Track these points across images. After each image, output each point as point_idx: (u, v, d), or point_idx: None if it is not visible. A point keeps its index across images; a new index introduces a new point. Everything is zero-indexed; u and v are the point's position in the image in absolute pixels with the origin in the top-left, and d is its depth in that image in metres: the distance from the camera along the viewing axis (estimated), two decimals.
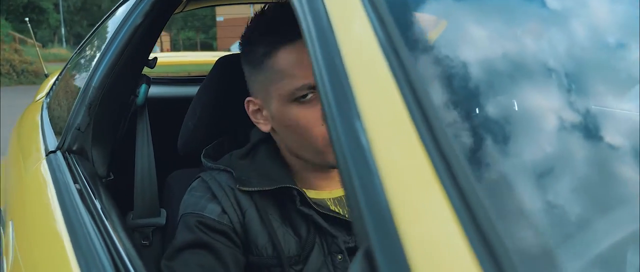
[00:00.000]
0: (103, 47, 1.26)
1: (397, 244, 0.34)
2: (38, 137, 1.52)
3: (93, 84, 1.24)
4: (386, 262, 0.34)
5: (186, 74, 3.70)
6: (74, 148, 1.23)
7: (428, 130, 0.39)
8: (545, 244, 0.37)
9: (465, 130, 0.42)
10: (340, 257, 1.04)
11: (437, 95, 0.43)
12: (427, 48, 0.50)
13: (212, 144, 1.18)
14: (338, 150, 0.42)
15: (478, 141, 0.42)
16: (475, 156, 0.41)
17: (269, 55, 1.01)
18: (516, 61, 0.54)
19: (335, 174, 1.11)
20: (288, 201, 1.04)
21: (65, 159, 1.21)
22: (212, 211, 1.04)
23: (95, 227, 0.88)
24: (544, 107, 0.49)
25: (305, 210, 1.03)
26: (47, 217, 1.00)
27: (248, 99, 1.09)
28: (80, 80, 1.30)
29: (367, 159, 0.39)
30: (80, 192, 1.01)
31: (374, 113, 0.41)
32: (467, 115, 0.44)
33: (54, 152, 1.29)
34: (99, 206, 0.97)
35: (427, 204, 0.36)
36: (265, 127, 1.07)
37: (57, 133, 1.43)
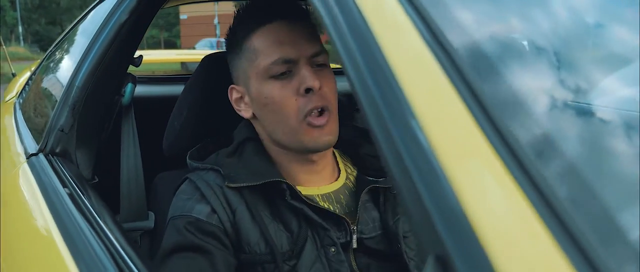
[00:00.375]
0: (86, 45, 1.21)
1: (476, 247, 0.33)
2: (14, 139, 1.46)
3: (76, 84, 1.19)
4: (466, 267, 0.32)
5: (150, 73, 3.64)
6: (57, 150, 1.19)
7: (490, 124, 0.37)
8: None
9: (529, 121, 0.41)
10: (333, 250, 1.03)
11: (490, 85, 0.42)
12: (469, 34, 0.48)
13: (196, 147, 1.17)
14: (392, 152, 0.40)
15: (544, 132, 0.41)
16: (544, 148, 0.39)
17: (246, 39, 1.05)
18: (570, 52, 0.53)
19: (322, 169, 1.11)
20: (277, 196, 1.03)
21: (49, 161, 1.16)
22: (200, 211, 1.02)
23: (92, 231, 0.85)
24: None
25: (296, 204, 1.02)
26: (36, 222, 0.95)
27: (231, 86, 1.11)
28: (60, 80, 1.25)
29: (430, 160, 0.37)
30: (71, 195, 0.97)
31: (429, 110, 0.40)
32: (528, 106, 0.43)
33: (35, 154, 1.24)
34: (92, 209, 0.93)
35: (503, 202, 0.35)
36: (246, 114, 1.09)
37: (36, 135, 1.37)
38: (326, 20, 0.52)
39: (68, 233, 0.86)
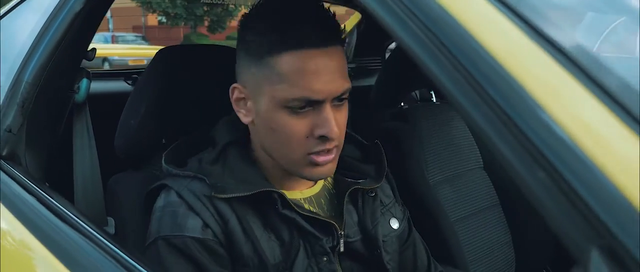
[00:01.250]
0: (35, 36, 1.09)
1: None
2: None
3: (25, 79, 1.07)
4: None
5: None
6: (4, 153, 1.06)
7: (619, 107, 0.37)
8: None
9: None
10: (325, 258, 1.01)
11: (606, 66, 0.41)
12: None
13: (171, 149, 1.09)
14: (526, 152, 0.39)
15: None
16: None
17: (273, 54, 0.92)
18: None
19: None
20: (267, 205, 0.99)
21: None
22: (193, 228, 0.95)
23: (79, 234, 0.77)
24: None
25: (288, 213, 0.98)
26: (8, 238, 0.85)
27: (235, 85, 1.01)
28: (3, 75, 1.12)
29: (575, 151, 0.36)
30: (41, 200, 0.87)
31: (554, 100, 0.39)
32: None
33: None
34: (70, 212, 0.84)
35: None
36: (246, 119, 1.01)
37: None
38: (401, 26, 0.50)
39: (51, 240, 0.77)
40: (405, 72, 1.80)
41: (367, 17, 2.28)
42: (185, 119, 1.24)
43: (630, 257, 0.33)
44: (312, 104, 0.92)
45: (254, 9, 0.97)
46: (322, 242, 1.00)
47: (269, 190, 0.97)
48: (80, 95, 1.14)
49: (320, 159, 0.95)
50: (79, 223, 0.82)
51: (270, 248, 0.98)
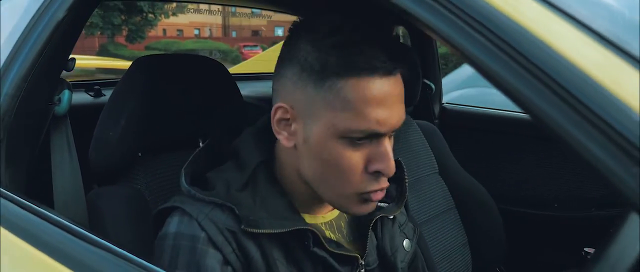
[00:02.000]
0: (13, 44, 1.03)
1: None
2: None
3: (5, 92, 1.01)
4: None
5: None
6: None
7: None
8: None
9: None
10: None
11: None
12: None
13: (189, 163, 0.96)
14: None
15: None
16: None
17: (337, 77, 0.83)
18: None
19: None
20: (295, 241, 0.91)
21: None
22: (212, 267, 0.86)
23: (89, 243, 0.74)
24: None
25: (318, 251, 0.91)
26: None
27: (280, 104, 0.89)
28: None
29: None
30: (38, 213, 0.83)
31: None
32: None
33: None
34: (67, 222, 0.81)
35: None
36: (287, 142, 0.90)
37: None
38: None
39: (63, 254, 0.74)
40: None
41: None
42: (167, 131, 1.21)
43: None
44: (371, 137, 0.85)
45: (318, 21, 0.87)
46: None
47: (303, 229, 0.90)
48: (62, 107, 1.09)
49: (375, 196, 0.89)
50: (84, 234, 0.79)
51: None
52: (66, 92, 1.09)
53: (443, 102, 2.35)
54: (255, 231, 0.87)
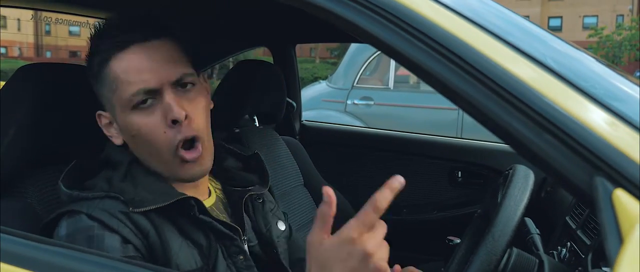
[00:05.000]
0: None
1: None
2: None
3: None
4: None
5: None
6: None
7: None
8: None
9: None
10: (241, 257, 1.07)
11: None
12: None
13: (66, 173, 1.04)
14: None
15: None
16: None
17: (104, 65, 1.00)
18: None
19: (201, 184, 1.12)
20: (181, 214, 1.02)
21: None
22: (112, 247, 0.93)
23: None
24: None
25: (205, 218, 1.03)
26: None
27: (98, 112, 1.06)
28: None
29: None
30: None
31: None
32: None
33: None
34: None
35: None
36: (117, 140, 1.05)
37: None
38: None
39: None
40: (238, 97, 1.91)
41: None
42: (57, 141, 1.17)
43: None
44: (153, 94, 0.98)
45: (89, 39, 1.04)
46: (237, 241, 1.06)
47: (187, 197, 1.00)
48: None
49: (188, 155, 1.00)
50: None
51: (190, 254, 1.00)
52: None
53: (302, 119, 2.50)
54: (142, 209, 0.96)
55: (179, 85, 1.00)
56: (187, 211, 1.01)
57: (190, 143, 1.00)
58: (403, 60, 0.67)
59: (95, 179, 1.04)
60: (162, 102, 0.98)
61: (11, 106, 1.11)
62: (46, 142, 1.15)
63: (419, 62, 0.65)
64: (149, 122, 0.98)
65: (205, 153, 1.03)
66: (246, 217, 1.16)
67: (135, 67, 0.97)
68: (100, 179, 1.03)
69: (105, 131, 1.06)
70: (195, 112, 1.01)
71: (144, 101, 0.97)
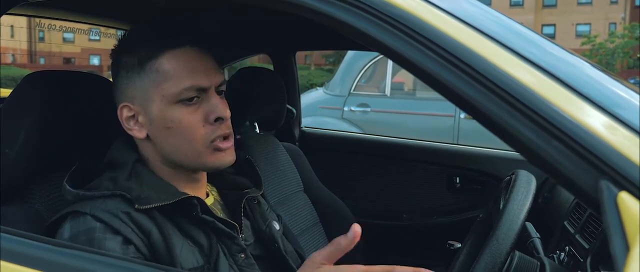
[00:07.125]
0: None
1: None
2: None
3: None
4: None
5: None
6: None
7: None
8: None
9: None
10: (242, 256, 1.10)
11: None
12: None
13: (71, 174, 1.06)
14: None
15: None
16: None
17: (152, 58, 1.04)
18: None
19: (202, 185, 1.16)
20: (183, 213, 1.05)
21: None
22: (113, 250, 0.95)
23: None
24: None
25: (207, 217, 1.06)
26: None
27: (123, 104, 1.08)
28: None
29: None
30: None
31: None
32: None
33: None
34: None
35: None
36: (139, 134, 1.08)
37: None
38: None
39: None
40: (239, 104, 1.93)
41: None
42: (64, 148, 1.18)
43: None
44: (200, 93, 1.04)
45: (121, 40, 1.10)
46: (237, 240, 1.09)
47: (191, 196, 1.04)
48: None
49: (223, 145, 1.06)
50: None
51: (191, 253, 1.03)
52: None
53: (302, 126, 2.52)
54: (147, 206, 0.99)
55: (220, 91, 1.09)
56: (189, 211, 1.04)
57: (225, 138, 1.07)
58: (412, 68, 0.70)
59: (99, 179, 1.06)
60: (206, 101, 1.05)
61: (20, 113, 1.12)
62: (54, 149, 1.16)
63: (430, 70, 0.68)
64: (191, 118, 1.04)
65: (233, 147, 1.10)
66: (244, 218, 1.19)
67: (190, 65, 1.04)
68: (105, 179, 1.05)
69: (124, 125, 1.09)
70: (228, 115, 1.09)
71: (191, 98, 1.03)
